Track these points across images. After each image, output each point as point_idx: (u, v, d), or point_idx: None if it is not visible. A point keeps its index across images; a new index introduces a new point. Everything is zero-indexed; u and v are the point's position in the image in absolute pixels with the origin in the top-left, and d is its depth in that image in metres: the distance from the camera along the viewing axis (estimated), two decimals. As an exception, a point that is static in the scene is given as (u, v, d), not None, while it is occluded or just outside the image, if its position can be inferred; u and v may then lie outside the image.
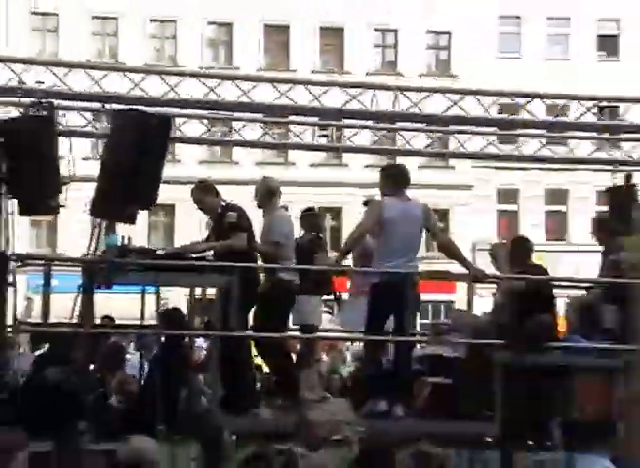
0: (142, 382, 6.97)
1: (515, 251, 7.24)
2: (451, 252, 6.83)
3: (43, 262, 7.31)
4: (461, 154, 11.21)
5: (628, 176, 8.55)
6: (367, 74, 28.01)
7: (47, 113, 6.19)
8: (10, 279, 6.06)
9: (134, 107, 6.59)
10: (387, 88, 9.36)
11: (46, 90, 6.65)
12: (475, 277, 6.88)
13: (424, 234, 6.81)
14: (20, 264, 6.48)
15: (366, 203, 7.83)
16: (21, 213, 6.40)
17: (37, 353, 8.37)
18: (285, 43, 30.35)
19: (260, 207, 7.13)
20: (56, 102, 6.53)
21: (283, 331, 7.17)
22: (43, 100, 6.11)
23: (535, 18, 30.72)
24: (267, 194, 7.14)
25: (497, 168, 24.59)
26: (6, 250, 6.16)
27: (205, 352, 8.21)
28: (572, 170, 18.80)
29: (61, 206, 6.44)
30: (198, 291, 7.12)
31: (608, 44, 31.74)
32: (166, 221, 28.64)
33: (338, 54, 30.70)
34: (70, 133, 7.30)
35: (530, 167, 19.45)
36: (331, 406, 5.10)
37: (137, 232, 7.77)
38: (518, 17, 31.13)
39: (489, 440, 6.37)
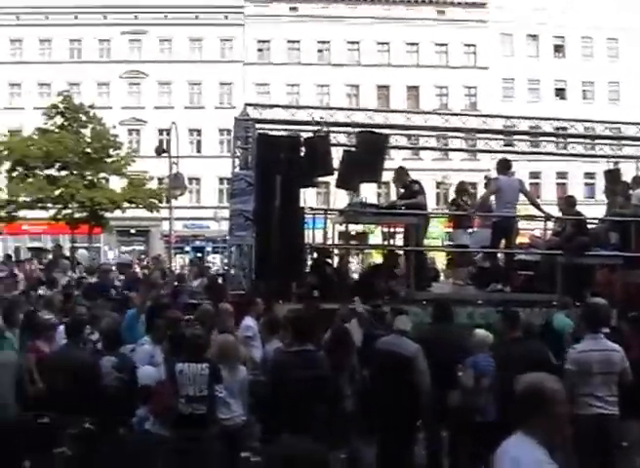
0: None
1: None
2: (535, 203, 12.73)
3: (323, 212, 13.91)
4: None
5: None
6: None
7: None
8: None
9: (367, 130, 12.71)
10: None
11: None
12: (547, 216, 12.58)
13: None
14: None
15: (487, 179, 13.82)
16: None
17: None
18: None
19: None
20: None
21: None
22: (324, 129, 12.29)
23: None
24: None
25: None
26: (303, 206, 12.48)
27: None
28: None
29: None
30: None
31: None
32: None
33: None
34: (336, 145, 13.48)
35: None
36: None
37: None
38: None
39: (555, 303, 11.31)
